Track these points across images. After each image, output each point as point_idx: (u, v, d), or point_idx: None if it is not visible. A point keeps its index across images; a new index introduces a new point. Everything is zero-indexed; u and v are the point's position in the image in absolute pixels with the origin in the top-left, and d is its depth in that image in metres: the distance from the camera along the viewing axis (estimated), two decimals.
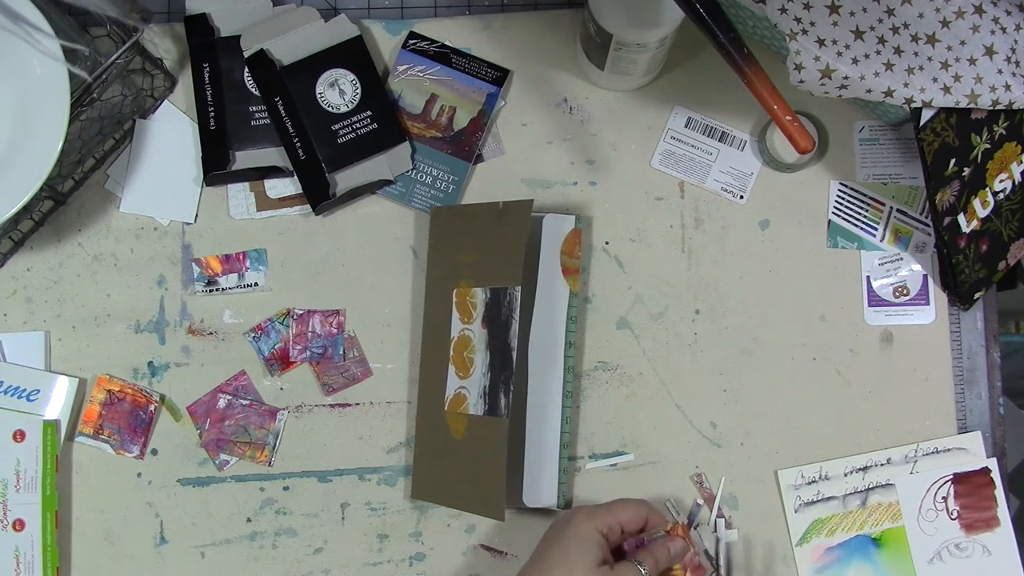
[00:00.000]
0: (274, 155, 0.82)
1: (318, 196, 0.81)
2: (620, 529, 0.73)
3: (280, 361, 0.82)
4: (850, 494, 0.83)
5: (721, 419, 0.84)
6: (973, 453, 0.83)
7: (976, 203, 0.80)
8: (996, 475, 0.83)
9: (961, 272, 0.81)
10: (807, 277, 0.85)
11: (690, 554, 0.75)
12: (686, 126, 0.86)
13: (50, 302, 0.83)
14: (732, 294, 0.85)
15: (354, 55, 0.83)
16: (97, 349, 0.82)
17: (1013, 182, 0.80)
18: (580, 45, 0.83)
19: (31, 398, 0.80)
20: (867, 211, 0.85)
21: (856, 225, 0.85)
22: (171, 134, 0.84)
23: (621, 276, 0.85)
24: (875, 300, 0.85)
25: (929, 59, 0.74)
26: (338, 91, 0.82)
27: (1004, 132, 0.78)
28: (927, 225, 0.85)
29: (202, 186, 0.84)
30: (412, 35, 0.85)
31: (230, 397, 0.82)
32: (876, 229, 0.85)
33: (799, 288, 0.85)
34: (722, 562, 0.82)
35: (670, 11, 0.73)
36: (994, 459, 0.83)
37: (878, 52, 0.72)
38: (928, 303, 0.85)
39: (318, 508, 0.82)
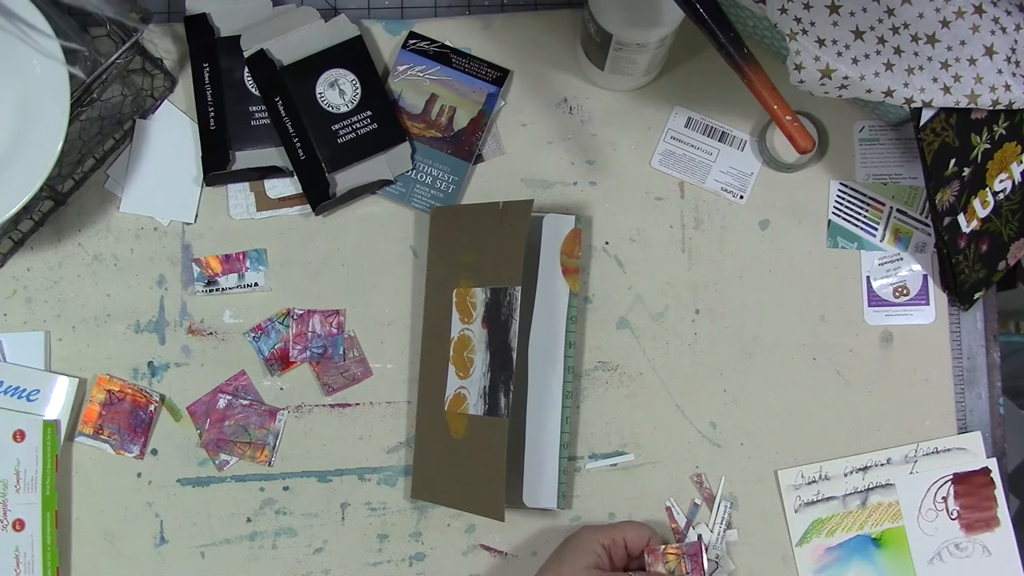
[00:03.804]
0: (274, 155, 0.82)
1: (318, 196, 0.81)
2: (624, 545, 0.74)
3: (280, 361, 0.82)
4: (850, 494, 0.83)
5: (721, 419, 0.84)
6: (973, 453, 0.83)
7: (976, 203, 0.80)
8: (996, 475, 0.83)
9: (961, 272, 0.81)
10: (807, 277, 0.85)
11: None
12: (686, 126, 0.86)
13: (50, 302, 0.83)
14: (732, 294, 0.85)
15: (354, 55, 0.83)
16: (97, 349, 0.82)
17: (1013, 182, 0.80)
18: (580, 45, 0.83)
19: (31, 398, 0.80)
20: (867, 211, 0.85)
21: (856, 225, 0.85)
22: (171, 134, 0.84)
23: (621, 276, 0.85)
24: (875, 300, 0.85)
25: (929, 59, 0.74)
26: (338, 91, 0.82)
27: (1004, 132, 0.78)
28: (927, 225, 0.85)
29: (202, 186, 0.84)
30: (412, 35, 0.85)
31: (230, 397, 0.82)
32: (876, 229, 0.85)
33: (799, 288, 0.85)
34: (720, 562, 0.82)
35: (670, 11, 0.73)
36: (994, 459, 0.83)
37: (878, 52, 0.72)
38: (928, 303, 0.85)
39: (318, 508, 0.82)
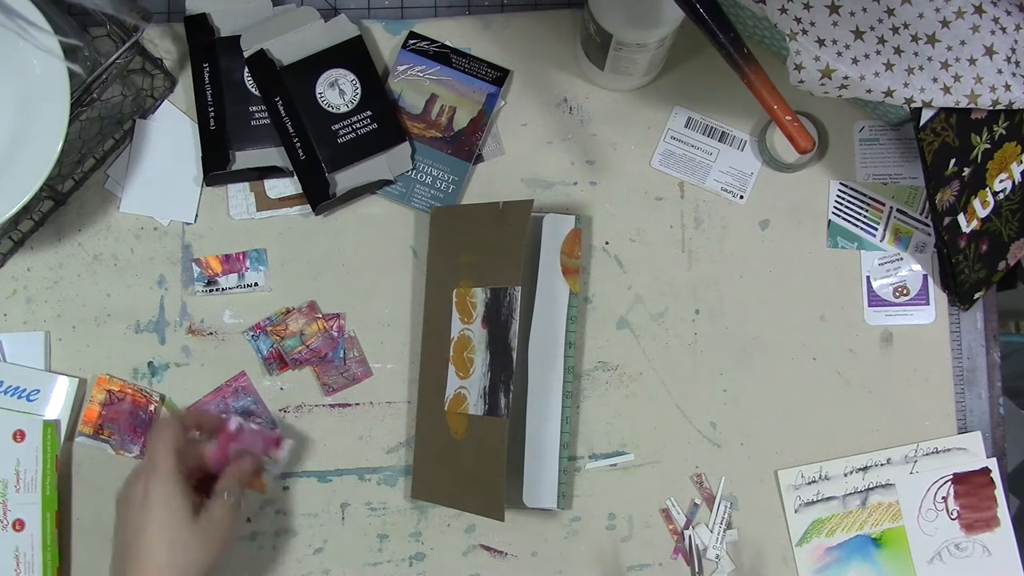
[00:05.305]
0: (274, 155, 0.82)
1: (318, 196, 0.81)
2: (181, 455, 0.69)
3: (279, 360, 0.82)
4: (850, 494, 0.83)
5: (721, 419, 0.84)
6: (973, 453, 0.83)
7: (976, 203, 0.80)
8: (996, 475, 0.83)
9: (961, 272, 0.81)
10: (807, 277, 0.85)
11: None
12: (686, 126, 0.86)
13: (50, 302, 0.83)
14: (732, 294, 0.85)
15: (354, 55, 0.83)
16: (97, 349, 0.82)
17: (1013, 182, 0.80)
18: (580, 45, 0.83)
19: (31, 398, 0.80)
20: (867, 211, 0.85)
21: (856, 225, 0.85)
22: (171, 134, 0.84)
23: (621, 276, 0.85)
24: (875, 300, 0.85)
25: (929, 59, 0.74)
26: (338, 91, 0.82)
27: (1004, 132, 0.78)
28: (927, 225, 0.85)
29: (202, 186, 0.84)
30: (412, 35, 0.85)
31: (241, 421, 0.76)
32: (876, 229, 0.85)
33: (799, 288, 0.85)
34: (717, 562, 0.82)
35: (670, 11, 0.73)
36: (994, 459, 0.83)
37: (878, 52, 0.72)
38: (928, 303, 0.85)
39: (318, 508, 0.82)
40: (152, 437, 0.70)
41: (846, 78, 0.71)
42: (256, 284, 0.83)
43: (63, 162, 0.79)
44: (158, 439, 0.69)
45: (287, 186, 0.84)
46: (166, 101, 0.84)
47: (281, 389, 0.83)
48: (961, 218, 0.79)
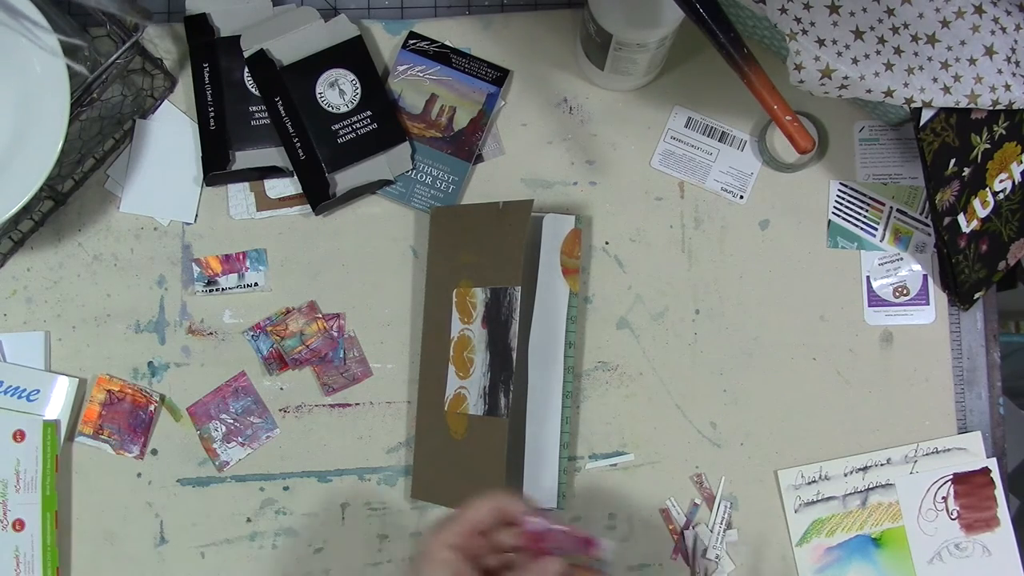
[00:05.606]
0: (274, 155, 0.82)
1: (318, 196, 0.81)
2: (473, 532, 0.62)
3: (279, 360, 0.82)
4: (850, 494, 0.83)
5: (721, 419, 0.84)
6: (973, 453, 0.83)
7: (976, 203, 0.80)
8: (996, 475, 0.83)
9: (961, 272, 0.81)
10: (807, 277, 0.85)
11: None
12: (686, 126, 0.86)
13: (50, 302, 0.83)
14: (732, 294, 0.85)
15: (354, 55, 0.83)
16: (97, 349, 0.82)
17: (1013, 182, 0.80)
18: (580, 45, 0.83)
19: (31, 398, 0.80)
20: (867, 211, 0.85)
21: (856, 225, 0.85)
22: (171, 134, 0.84)
23: (621, 276, 0.85)
24: (875, 300, 0.85)
25: (929, 59, 0.74)
26: (338, 91, 0.82)
27: (1004, 132, 0.78)
28: (927, 225, 0.85)
29: (202, 186, 0.84)
30: (412, 35, 0.85)
31: (540, 521, 0.62)
32: (876, 229, 0.85)
33: (799, 288, 0.85)
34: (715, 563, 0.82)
35: (670, 11, 0.73)
36: (994, 459, 0.83)
37: (878, 52, 0.72)
38: (928, 303, 0.85)
39: (318, 508, 0.82)
40: (455, 512, 0.62)
41: (846, 78, 0.71)
42: (256, 284, 0.83)
43: (63, 162, 0.79)
44: (454, 524, 0.61)
45: (287, 186, 0.84)
46: (166, 101, 0.84)
47: (281, 389, 0.83)
48: (961, 218, 0.79)
